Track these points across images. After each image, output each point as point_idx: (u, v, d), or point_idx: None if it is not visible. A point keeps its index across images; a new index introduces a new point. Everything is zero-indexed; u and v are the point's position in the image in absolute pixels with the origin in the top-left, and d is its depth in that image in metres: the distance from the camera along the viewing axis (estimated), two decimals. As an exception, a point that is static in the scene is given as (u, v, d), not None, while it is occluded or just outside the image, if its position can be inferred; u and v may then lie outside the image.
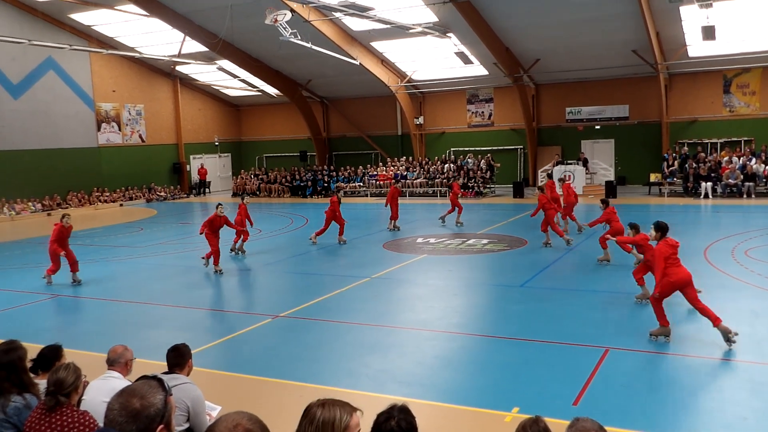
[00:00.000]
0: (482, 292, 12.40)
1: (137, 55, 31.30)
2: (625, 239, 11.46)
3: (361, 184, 32.95)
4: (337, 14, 24.76)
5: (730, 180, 25.23)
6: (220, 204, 15.11)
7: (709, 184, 25.29)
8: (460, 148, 33.63)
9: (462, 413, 6.87)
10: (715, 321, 8.33)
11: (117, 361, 5.07)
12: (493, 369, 8.15)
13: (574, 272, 13.65)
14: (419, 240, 18.00)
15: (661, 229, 9.14)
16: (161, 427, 2.28)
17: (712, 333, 9.02)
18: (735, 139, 28.34)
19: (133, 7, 26.96)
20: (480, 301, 11.82)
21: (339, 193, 18.29)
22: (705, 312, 8.42)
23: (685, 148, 28.26)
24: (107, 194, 32.64)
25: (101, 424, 3.02)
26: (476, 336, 9.49)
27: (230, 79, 36.26)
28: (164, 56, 30.64)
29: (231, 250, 17.10)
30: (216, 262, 14.64)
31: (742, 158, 26.02)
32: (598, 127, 30.89)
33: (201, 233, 14.78)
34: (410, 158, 33.74)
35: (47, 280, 14.12)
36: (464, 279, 13.52)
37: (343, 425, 2.39)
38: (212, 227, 14.61)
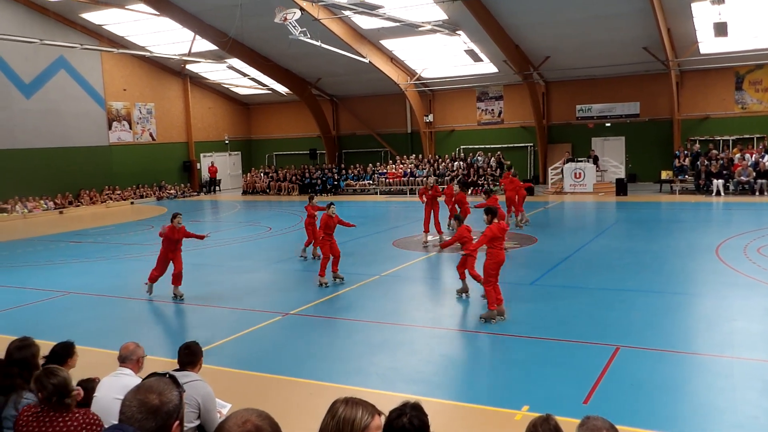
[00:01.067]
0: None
1: (148, 54, 31.44)
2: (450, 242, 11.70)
3: (371, 182, 32.95)
4: (347, 12, 24.75)
5: (742, 177, 25.03)
6: (178, 214, 12.56)
7: (721, 181, 25.10)
8: (470, 146, 33.56)
9: (472, 411, 6.87)
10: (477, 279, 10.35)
11: (129, 358, 5.09)
12: (503, 367, 8.14)
13: (584, 270, 13.59)
14: (430, 237, 17.98)
15: (492, 212, 9.96)
16: (177, 423, 2.30)
17: (722, 332, 8.97)
18: (747, 136, 28.10)
19: (143, 7, 27.08)
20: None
21: (313, 201, 16.13)
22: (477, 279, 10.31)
23: (697, 145, 28.07)
24: (118, 192, 32.84)
25: (113, 420, 3.04)
26: (486, 334, 9.48)
27: (240, 77, 36.36)
28: (174, 55, 30.75)
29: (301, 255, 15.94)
30: (176, 283, 12.25)
31: (754, 155, 25.81)
32: (608, 124, 30.73)
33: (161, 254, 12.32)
34: (420, 156, 33.71)
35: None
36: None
37: (363, 425, 2.40)
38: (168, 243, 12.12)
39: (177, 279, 12.22)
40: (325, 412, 2.49)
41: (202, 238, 13.20)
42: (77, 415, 3.98)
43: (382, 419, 2.54)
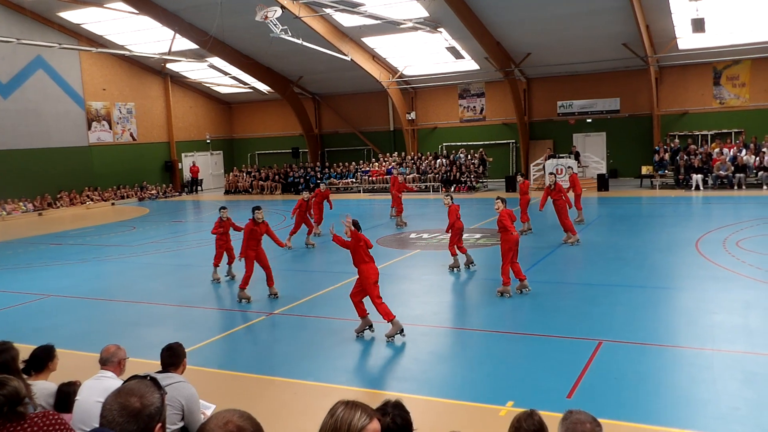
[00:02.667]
0: (476, 287, 12.43)
1: (127, 53, 31.13)
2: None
3: (354, 180, 32.92)
4: (328, 10, 24.67)
5: (720, 172, 25.35)
6: (258, 208, 12.12)
7: (700, 176, 25.41)
8: (453, 143, 33.65)
9: (457, 408, 6.89)
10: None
11: (110, 361, 5.04)
12: (488, 363, 8.17)
13: (567, 266, 13.69)
14: (412, 235, 18.02)
15: (355, 225, 9.36)
16: (159, 425, 2.28)
17: (703, 325, 9.09)
18: (725, 130, 28.45)
19: (122, 5, 26.80)
20: (473, 296, 11.85)
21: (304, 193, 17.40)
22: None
23: (676, 140, 28.38)
24: (99, 193, 32.50)
25: (95, 424, 3.00)
26: (470, 331, 9.51)
27: (221, 76, 36.13)
28: (154, 54, 30.49)
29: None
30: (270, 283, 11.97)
31: (732, 150, 26.15)
32: (589, 120, 30.97)
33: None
34: (402, 154, 33.73)
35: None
36: (457, 274, 13.54)
37: (360, 426, 2.43)
38: None
39: (270, 279, 11.85)
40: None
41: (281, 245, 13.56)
42: (35, 419, 3.91)
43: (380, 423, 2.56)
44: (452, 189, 29.67)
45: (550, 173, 18.68)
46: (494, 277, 12.83)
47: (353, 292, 9.25)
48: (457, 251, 13.39)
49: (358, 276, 9.25)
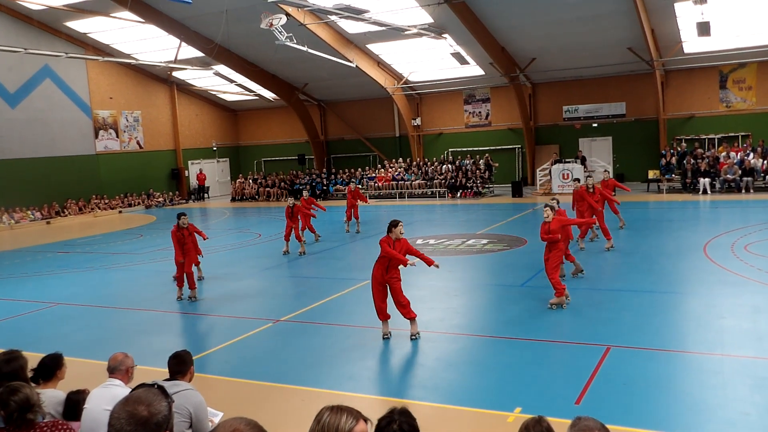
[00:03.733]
0: (482, 293, 12.40)
1: (133, 61, 31.27)
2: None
3: (360, 186, 32.93)
4: (333, 17, 24.76)
5: (728, 175, 25.25)
6: (300, 192, 13.19)
7: (708, 179, 25.31)
8: (458, 149, 33.65)
9: (464, 414, 6.86)
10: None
11: (118, 369, 5.06)
12: (495, 369, 8.15)
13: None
14: (419, 241, 17.99)
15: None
16: None
17: (712, 330, 9.04)
18: (732, 134, 28.36)
19: (128, 14, 26.95)
20: (480, 302, 11.82)
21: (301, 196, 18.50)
22: None
23: (683, 144, 28.29)
24: (106, 201, 32.64)
25: (102, 432, 3.01)
26: (477, 337, 9.49)
27: (227, 84, 36.26)
28: (160, 62, 30.63)
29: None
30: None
31: (739, 153, 26.05)
32: (595, 125, 30.91)
33: None
34: (408, 160, 33.76)
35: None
36: (464, 280, 13.52)
37: (347, 429, 2.43)
38: None
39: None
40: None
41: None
42: (45, 428, 3.93)
43: (369, 426, 2.55)
44: (458, 194, 29.66)
45: (588, 176, 18.00)
46: (499, 282, 12.82)
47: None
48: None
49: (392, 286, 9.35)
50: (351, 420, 2.44)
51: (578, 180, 17.77)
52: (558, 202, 10.88)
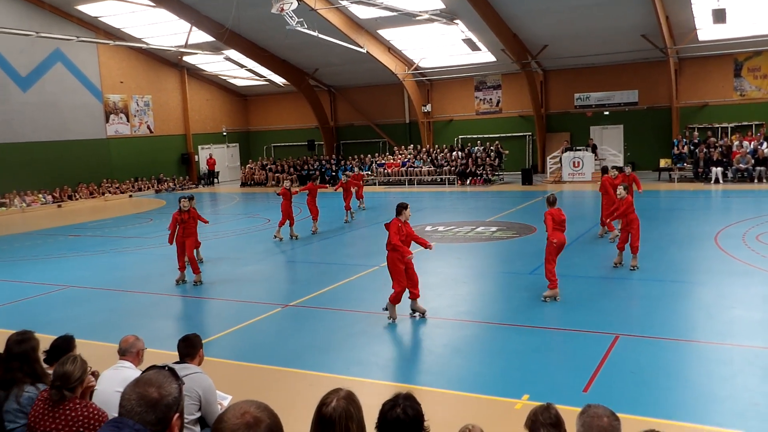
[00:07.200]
0: (491, 280, 12.40)
1: (144, 46, 31.31)
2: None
3: (369, 172, 32.90)
4: (344, 2, 24.64)
5: (740, 165, 25.02)
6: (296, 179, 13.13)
7: (720, 169, 25.10)
8: (469, 136, 33.51)
9: (472, 401, 6.88)
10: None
11: (128, 351, 5.10)
12: (503, 357, 8.15)
13: (583, 259, 13.58)
14: (428, 228, 17.99)
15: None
16: (177, 415, 2.30)
17: (722, 320, 8.99)
18: (746, 123, 28.06)
19: (139, -2, 26.97)
20: (489, 289, 11.82)
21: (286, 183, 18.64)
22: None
23: (696, 133, 28.04)
24: (116, 185, 32.80)
25: (114, 413, 3.04)
26: (486, 324, 9.49)
27: (237, 69, 36.23)
28: (171, 47, 30.63)
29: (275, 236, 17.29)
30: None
31: (753, 142, 25.79)
32: (607, 112, 30.67)
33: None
34: (418, 146, 33.66)
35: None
36: (473, 267, 13.51)
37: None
38: None
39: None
40: None
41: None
42: (77, 406, 3.99)
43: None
44: (468, 182, 29.58)
45: (613, 167, 16.82)
46: (508, 270, 12.80)
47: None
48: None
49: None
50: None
51: (614, 168, 16.53)
52: (555, 199, 10.67)
